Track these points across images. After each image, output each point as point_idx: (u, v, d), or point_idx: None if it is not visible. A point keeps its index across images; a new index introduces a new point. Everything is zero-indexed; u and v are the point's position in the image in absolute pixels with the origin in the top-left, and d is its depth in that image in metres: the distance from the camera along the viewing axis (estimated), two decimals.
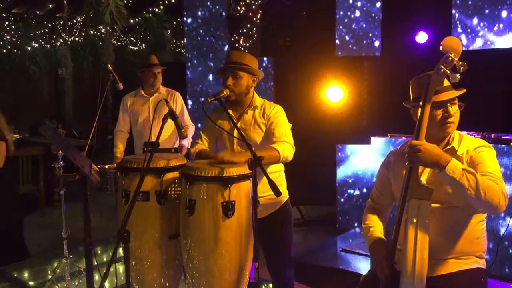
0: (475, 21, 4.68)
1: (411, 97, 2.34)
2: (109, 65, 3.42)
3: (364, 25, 5.12)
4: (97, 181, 2.90)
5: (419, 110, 2.13)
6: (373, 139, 4.68)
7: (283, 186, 3.03)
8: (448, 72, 2.10)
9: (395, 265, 2.19)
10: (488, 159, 2.14)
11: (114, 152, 4.18)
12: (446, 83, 2.27)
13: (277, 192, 2.32)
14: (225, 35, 5.52)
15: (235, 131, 2.74)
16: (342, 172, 5.23)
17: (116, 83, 3.43)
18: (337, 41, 5.18)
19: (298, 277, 4.22)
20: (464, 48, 4.89)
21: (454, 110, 2.25)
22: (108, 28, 6.97)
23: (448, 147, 2.24)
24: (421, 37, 5.29)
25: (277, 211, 2.96)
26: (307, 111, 5.37)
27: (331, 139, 5.29)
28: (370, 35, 5.10)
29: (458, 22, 4.90)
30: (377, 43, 5.07)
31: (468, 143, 2.25)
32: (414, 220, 2.09)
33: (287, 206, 3.03)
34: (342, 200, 5.26)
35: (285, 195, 3.04)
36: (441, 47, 2.11)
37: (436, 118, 2.21)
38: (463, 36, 4.90)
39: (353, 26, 5.14)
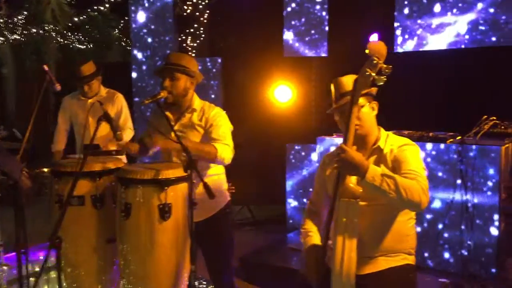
0: (415, 23, 4.83)
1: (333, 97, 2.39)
2: (45, 66, 3.33)
3: (311, 26, 5.19)
4: (27, 186, 2.82)
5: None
6: (320, 139, 4.75)
7: (223, 190, 3.03)
8: (374, 75, 2.16)
9: (328, 263, 2.24)
10: (411, 157, 2.21)
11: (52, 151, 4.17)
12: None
13: (211, 195, 2.32)
14: (172, 34, 5.48)
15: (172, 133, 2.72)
16: (291, 171, 5.29)
17: (53, 84, 3.34)
18: (284, 42, 5.23)
19: (247, 277, 4.26)
20: (402, 50, 5.10)
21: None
22: (51, 26, 6.79)
23: (375, 146, 2.32)
24: (373, 38, 5.44)
25: (216, 214, 2.95)
26: (256, 111, 5.40)
27: (281, 139, 5.34)
28: (318, 36, 5.17)
29: (399, 23, 5.05)
30: (324, 44, 5.16)
31: (393, 142, 2.32)
32: (343, 220, 2.13)
33: (227, 209, 3.03)
34: (291, 199, 5.32)
35: (225, 198, 3.04)
36: (366, 51, 2.16)
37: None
38: (400, 39, 5.06)
39: (301, 27, 5.20)
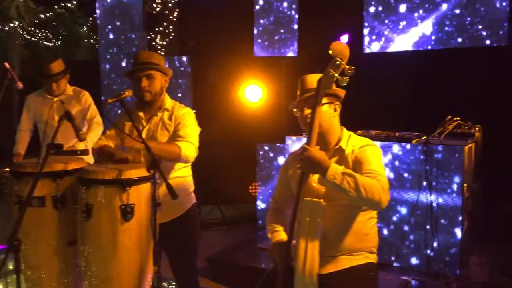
0: (382, 23, 4.89)
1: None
2: (6, 64, 3.24)
3: (280, 25, 5.21)
4: None
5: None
6: (289, 139, 4.76)
7: (189, 191, 3.00)
8: (337, 75, 2.18)
9: (292, 262, 2.24)
10: (372, 157, 2.24)
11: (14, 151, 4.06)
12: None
13: (174, 195, 2.30)
14: (141, 32, 5.41)
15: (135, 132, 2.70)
16: (262, 170, 5.29)
17: (15, 82, 3.26)
18: (255, 41, 5.22)
19: (215, 276, 4.24)
20: (370, 50, 5.16)
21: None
22: (16, 23, 6.60)
23: (336, 147, 2.34)
24: (343, 39, 5.50)
25: (182, 215, 2.92)
26: (226, 110, 5.38)
27: (251, 138, 5.34)
28: (287, 35, 5.19)
29: (367, 24, 5.11)
30: (294, 44, 5.17)
31: (354, 142, 2.35)
32: (307, 219, 2.14)
33: (193, 212, 3.01)
34: (262, 198, 5.32)
35: (191, 200, 3.01)
36: (330, 52, 2.18)
37: (306, 119, 2.30)
38: (368, 39, 5.12)
39: (270, 26, 5.20)
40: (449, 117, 3.97)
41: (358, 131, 4.32)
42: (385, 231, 4.02)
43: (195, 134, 2.86)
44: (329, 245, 2.27)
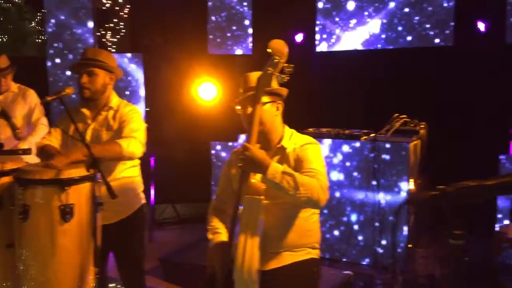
0: (333, 22, 4.97)
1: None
2: None
3: (234, 23, 5.21)
4: None
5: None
6: (242, 136, 4.78)
7: (137, 192, 2.96)
8: (276, 73, 2.19)
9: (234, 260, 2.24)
10: (312, 156, 2.26)
11: None
12: (275, 85, 2.35)
13: (113, 195, 2.26)
14: (90, 29, 5.28)
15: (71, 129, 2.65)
16: (216, 169, 5.27)
17: None
18: (208, 38, 5.20)
19: (168, 276, 4.20)
20: (321, 49, 5.22)
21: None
22: None
23: (278, 145, 2.35)
24: (298, 38, 5.56)
25: (129, 216, 2.88)
26: (180, 109, 5.33)
27: (205, 136, 5.31)
28: (240, 32, 5.19)
29: (319, 22, 5.18)
30: (248, 41, 5.18)
31: (296, 140, 2.36)
32: (247, 216, 2.15)
33: (141, 213, 2.96)
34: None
35: (138, 201, 2.97)
36: (268, 50, 2.19)
37: (248, 118, 2.28)
38: (320, 38, 5.18)
39: (223, 22, 5.19)
40: (396, 114, 4.07)
41: (309, 129, 4.39)
42: (335, 229, 4.09)
43: (140, 130, 2.82)
44: (271, 241, 2.28)
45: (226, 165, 2.53)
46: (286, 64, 2.21)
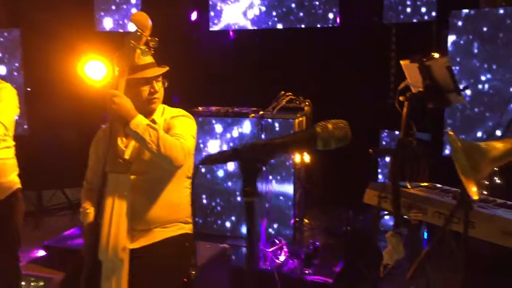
0: (226, 1, 4.97)
1: None
2: None
3: (124, 1, 5.02)
4: None
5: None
6: None
7: (9, 176, 2.78)
8: (140, 47, 2.15)
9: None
10: (180, 125, 2.28)
11: None
12: (150, 59, 2.31)
13: None
14: None
15: None
16: None
17: None
18: (96, 14, 4.98)
19: (53, 264, 4.01)
20: (215, 28, 5.20)
21: (159, 86, 2.33)
22: None
23: (149, 119, 2.31)
24: (193, 16, 5.52)
25: (1, 201, 2.71)
26: (67, 89, 5.04)
27: (94, 118, 5.09)
28: (132, 11, 5.02)
29: (212, 1, 5.15)
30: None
31: (167, 113, 2.37)
32: (113, 194, 2.10)
33: (14, 197, 2.79)
34: None
35: (11, 186, 2.79)
36: (131, 23, 2.14)
37: (143, 94, 2.27)
38: (213, 17, 5.16)
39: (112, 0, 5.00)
40: (282, 92, 4.18)
41: (199, 107, 4.38)
42: (219, 203, 4.16)
43: (8, 108, 2.65)
44: (141, 218, 2.25)
45: (94, 145, 2.46)
46: (150, 38, 2.17)
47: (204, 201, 4.19)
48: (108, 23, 5.14)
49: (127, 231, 2.11)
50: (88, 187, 2.46)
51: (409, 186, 2.07)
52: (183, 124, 2.30)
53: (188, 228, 2.41)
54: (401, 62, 2.08)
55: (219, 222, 4.18)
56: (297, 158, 4.02)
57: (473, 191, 1.25)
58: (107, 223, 2.06)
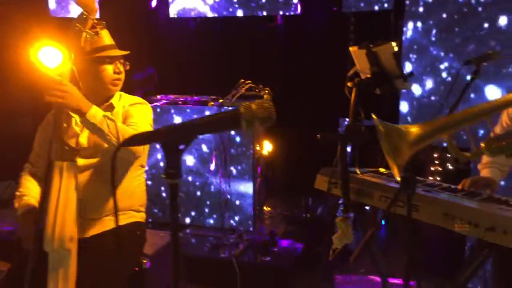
0: None
1: None
2: None
3: None
4: None
5: None
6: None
7: None
8: (86, 30, 2.08)
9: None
10: (138, 114, 2.25)
11: None
12: (111, 41, 2.27)
13: None
14: None
15: None
16: None
17: None
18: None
19: (3, 256, 3.90)
20: (174, 15, 5.12)
21: (122, 68, 2.29)
22: None
23: (107, 103, 2.27)
24: (153, 3, 5.41)
25: None
26: (21, 78, 4.87)
27: (50, 107, 4.94)
28: None
29: None
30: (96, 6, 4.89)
31: (125, 100, 2.33)
32: (58, 182, 2.04)
33: None
34: None
35: None
36: (76, 5, 2.07)
37: (107, 73, 2.22)
38: (173, 4, 5.07)
39: None
40: (242, 80, 4.15)
41: (158, 95, 4.31)
42: (180, 193, 4.12)
43: None
44: (91, 207, 2.21)
45: (42, 128, 2.39)
46: (97, 20, 2.11)
47: (163, 194, 4.13)
48: (60, 9, 4.98)
49: (75, 220, 2.06)
50: (31, 170, 2.37)
51: (358, 172, 2.10)
52: (141, 113, 2.26)
53: (140, 217, 2.38)
54: (350, 48, 2.09)
55: (188, 211, 4.13)
56: (257, 146, 4.02)
57: (396, 173, 1.27)
58: (52, 212, 2.00)
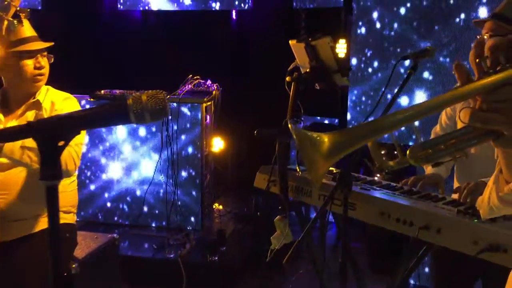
0: None
1: None
2: None
3: None
4: None
5: None
6: None
7: None
8: (8, 18, 1.94)
9: None
10: (69, 110, 2.11)
11: None
12: (32, 32, 2.12)
13: None
14: None
15: None
16: None
17: None
18: None
19: None
20: (123, 8, 4.94)
21: (45, 62, 2.15)
22: None
23: (34, 100, 2.13)
24: None
25: None
26: None
27: None
28: None
29: None
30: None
31: (53, 96, 2.20)
32: None
33: None
34: None
35: None
36: None
37: (27, 69, 2.08)
38: None
39: None
40: (190, 75, 4.04)
41: (102, 90, 4.14)
42: (125, 196, 3.99)
43: None
44: (16, 208, 2.06)
45: None
46: (20, 8, 1.97)
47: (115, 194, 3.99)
48: None
49: None
50: None
51: (298, 170, 2.05)
52: (71, 109, 2.14)
53: (70, 218, 2.26)
54: (290, 42, 2.03)
55: (134, 213, 3.99)
56: (207, 144, 3.92)
57: (316, 185, 1.21)
58: None
